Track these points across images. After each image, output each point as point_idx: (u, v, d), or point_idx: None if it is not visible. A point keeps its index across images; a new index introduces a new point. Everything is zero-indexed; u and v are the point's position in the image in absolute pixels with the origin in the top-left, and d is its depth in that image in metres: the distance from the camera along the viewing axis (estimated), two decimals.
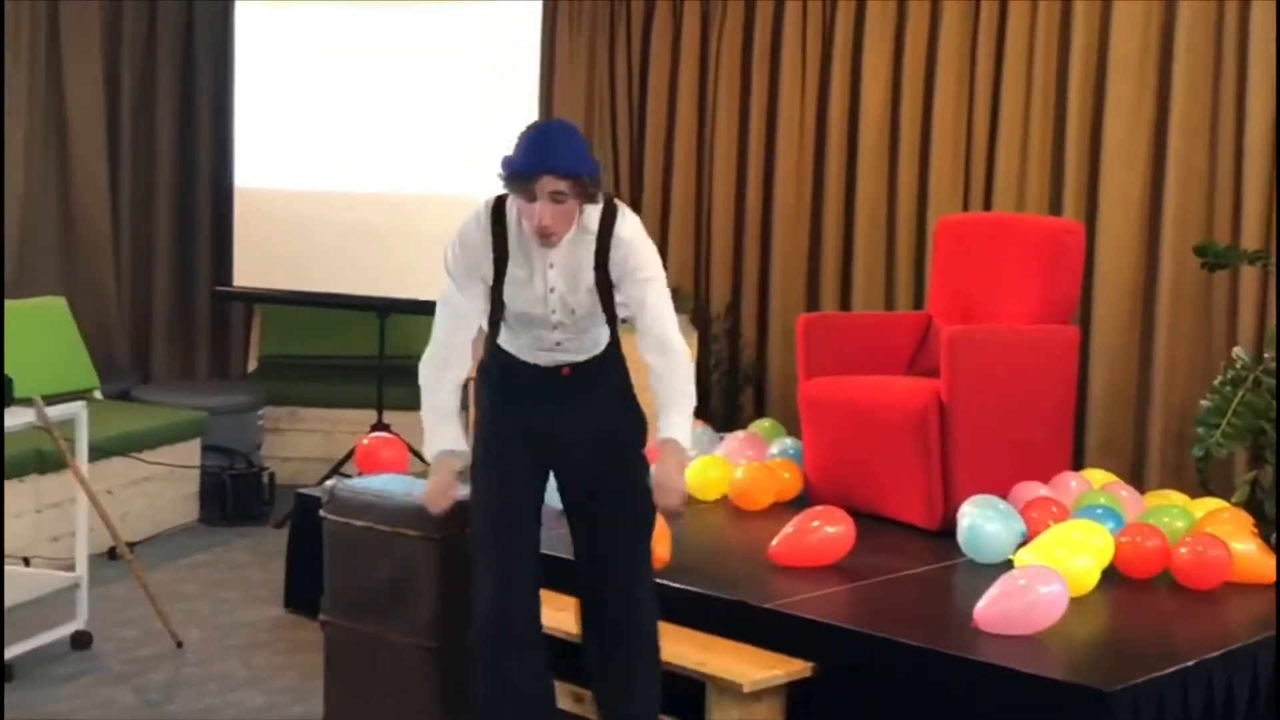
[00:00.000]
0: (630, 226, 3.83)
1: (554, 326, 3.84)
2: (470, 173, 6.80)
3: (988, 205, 6.89)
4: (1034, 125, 6.77)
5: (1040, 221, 6.23)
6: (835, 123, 7.45)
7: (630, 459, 3.93)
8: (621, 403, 3.95)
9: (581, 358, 3.90)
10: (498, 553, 3.88)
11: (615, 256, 3.80)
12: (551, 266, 3.79)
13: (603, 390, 3.92)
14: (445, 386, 3.92)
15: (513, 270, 3.81)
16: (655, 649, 3.97)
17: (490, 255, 3.81)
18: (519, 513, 3.92)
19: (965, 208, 6.97)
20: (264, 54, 7.43)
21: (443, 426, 3.93)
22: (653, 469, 3.83)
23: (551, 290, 3.80)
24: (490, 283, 3.84)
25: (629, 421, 3.95)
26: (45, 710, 4.69)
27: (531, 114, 7.15)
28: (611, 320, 3.88)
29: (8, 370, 5.05)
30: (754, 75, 7.76)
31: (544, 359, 3.89)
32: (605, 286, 3.82)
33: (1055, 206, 6.68)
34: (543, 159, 3.67)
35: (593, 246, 3.80)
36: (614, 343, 3.92)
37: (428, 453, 3.94)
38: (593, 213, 3.79)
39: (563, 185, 3.67)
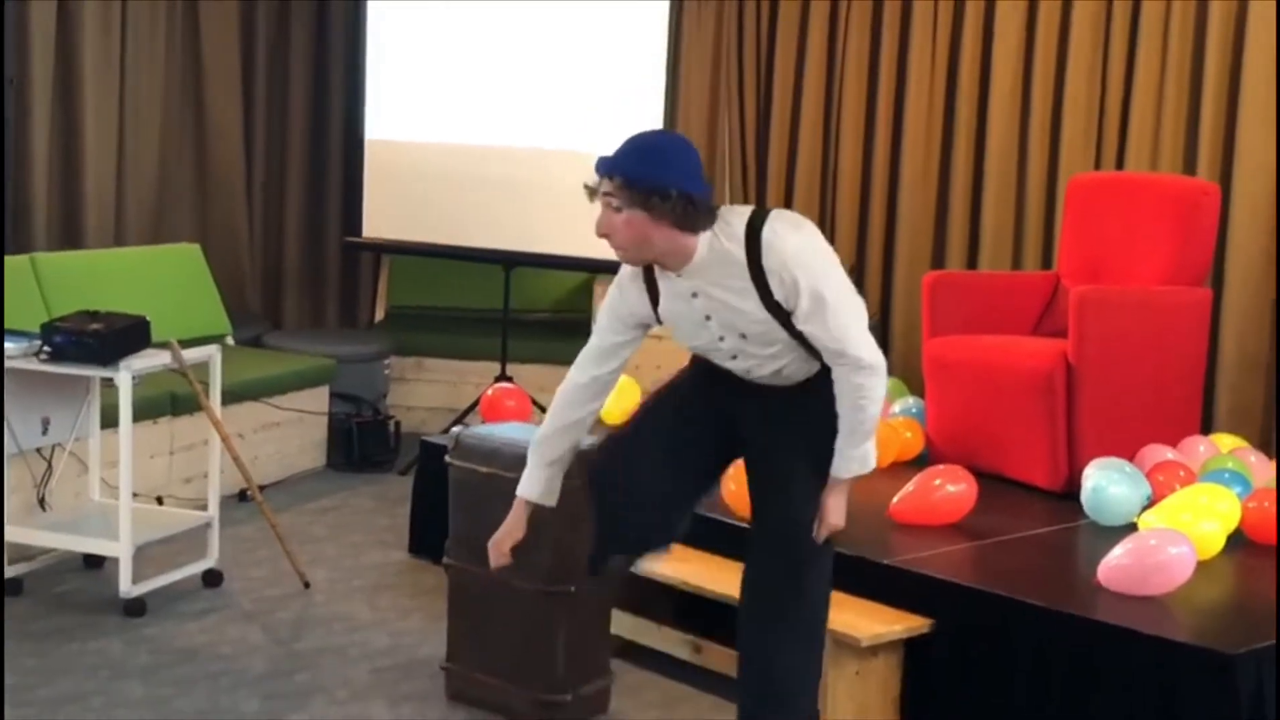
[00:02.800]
0: (780, 229, 3.38)
1: (732, 356, 3.55)
2: (597, 128, 6.84)
3: (1120, 165, 6.78)
4: (1169, 83, 6.63)
5: (1175, 182, 6.13)
6: (966, 79, 7.37)
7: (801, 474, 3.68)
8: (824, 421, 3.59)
9: (784, 383, 3.60)
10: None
11: (770, 264, 3.35)
12: (695, 296, 3.45)
13: (807, 410, 3.61)
14: (557, 425, 3.72)
15: (665, 302, 3.52)
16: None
17: (642, 286, 3.54)
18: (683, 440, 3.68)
19: (1097, 167, 6.86)
20: (396, 9, 7.50)
21: (535, 469, 3.77)
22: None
23: (708, 318, 3.48)
24: (648, 320, 3.59)
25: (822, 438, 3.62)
26: (178, 644, 4.82)
27: (658, 72, 7.21)
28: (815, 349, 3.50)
29: (145, 312, 5.17)
30: (884, 31, 7.69)
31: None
32: (780, 311, 3.41)
33: (1190, 167, 6.56)
34: (603, 159, 3.37)
35: (745, 270, 3.37)
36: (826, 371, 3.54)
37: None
38: (737, 229, 3.39)
39: (609, 187, 3.34)
